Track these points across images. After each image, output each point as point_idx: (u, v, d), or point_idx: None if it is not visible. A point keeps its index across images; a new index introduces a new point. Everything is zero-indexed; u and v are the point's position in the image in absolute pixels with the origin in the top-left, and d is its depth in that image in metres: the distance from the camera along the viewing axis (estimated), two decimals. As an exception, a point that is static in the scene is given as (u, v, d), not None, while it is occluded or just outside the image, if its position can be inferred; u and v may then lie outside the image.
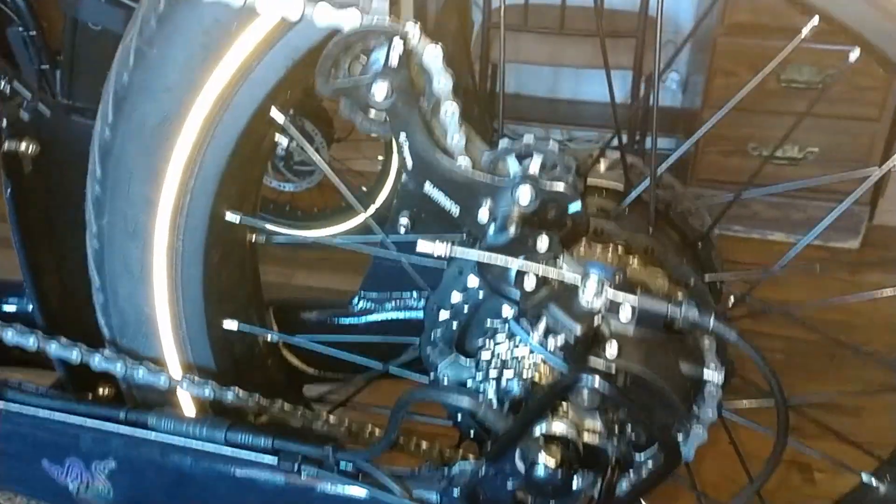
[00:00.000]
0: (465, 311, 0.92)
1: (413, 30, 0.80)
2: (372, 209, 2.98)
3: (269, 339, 1.15)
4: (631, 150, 3.18)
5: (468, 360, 0.94)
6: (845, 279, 3.01)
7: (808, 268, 1.07)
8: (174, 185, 0.94)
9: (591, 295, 0.74)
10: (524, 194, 0.84)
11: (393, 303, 1.22)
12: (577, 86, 3.68)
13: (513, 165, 0.85)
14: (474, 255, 0.78)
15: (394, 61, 0.80)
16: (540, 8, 3.01)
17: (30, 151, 1.05)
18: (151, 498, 1.01)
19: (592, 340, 0.76)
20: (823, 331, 1.02)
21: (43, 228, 1.10)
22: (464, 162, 0.85)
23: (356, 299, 1.23)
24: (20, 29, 2.25)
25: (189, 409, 1.07)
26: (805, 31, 0.81)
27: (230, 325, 1.06)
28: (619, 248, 0.89)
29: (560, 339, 0.76)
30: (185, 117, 0.91)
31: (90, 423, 0.99)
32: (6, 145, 1.04)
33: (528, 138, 0.84)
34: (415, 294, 1.21)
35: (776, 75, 2.91)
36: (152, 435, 0.98)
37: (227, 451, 0.96)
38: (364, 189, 3.00)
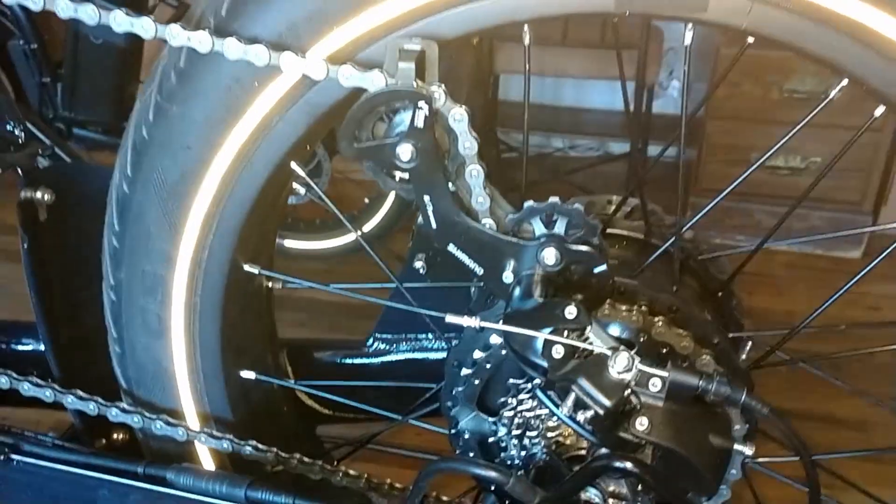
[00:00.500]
0: (488, 368, 0.91)
1: (438, 92, 0.79)
2: (373, 221, 2.97)
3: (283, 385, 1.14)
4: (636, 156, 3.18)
5: (490, 416, 0.93)
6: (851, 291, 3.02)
7: (834, 326, 1.05)
8: (193, 241, 0.93)
9: (622, 368, 0.74)
10: (549, 256, 0.83)
11: (408, 344, 1.21)
12: (579, 94, 3.66)
13: (538, 227, 0.84)
14: (503, 327, 0.77)
15: (419, 123, 0.79)
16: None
17: (45, 199, 1.04)
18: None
19: (622, 413, 0.75)
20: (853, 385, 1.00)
21: (58, 277, 1.09)
22: (488, 223, 0.85)
23: (371, 340, 1.22)
24: (21, 42, 2.23)
25: (207, 460, 1.06)
26: (833, 93, 0.80)
27: (248, 375, 1.05)
28: (644, 308, 0.88)
29: (589, 412, 0.75)
30: (204, 174, 0.90)
31: (108, 477, 0.98)
32: (22, 194, 1.02)
33: (554, 200, 0.83)
34: (430, 335, 1.20)
35: (779, 86, 2.91)
36: (171, 491, 0.97)
37: (248, 508, 0.95)
38: (366, 200, 2.99)
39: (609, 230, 1.01)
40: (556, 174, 3.37)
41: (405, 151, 0.80)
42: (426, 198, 0.83)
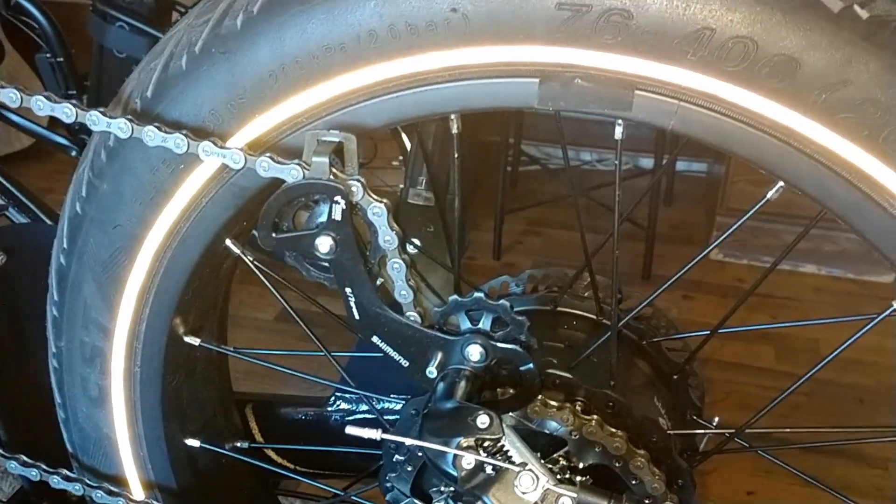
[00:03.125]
0: (420, 456, 0.89)
1: (356, 185, 0.77)
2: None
3: (238, 446, 1.13)
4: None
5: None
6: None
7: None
8: (129, 314, 0.93)
9: (526, 488, 0.71)
10: (474, 352, 0.80)
11: (369, 406, 1.19)
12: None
13: (463, 321, 0.81)
14: (407, 441, 0.74)
15: (336, 216, 0.77)
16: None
17: (-2, 261, 1.04)
18: None
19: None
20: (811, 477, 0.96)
21: (7, 339, 1.09)
22: (412, 316, 0.82)
23: (332, 399, 1.20)
24: (48, 55, 2.26)
25: (152, 526, 1.05)
26: (770, 194, 0.76)
27: (192, 443, 1.04)
28: (578, 406, 0.85)
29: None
30: (136, 251, 0.89)
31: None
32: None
33: (478, 295, 0.80)
34: (392, 397, 1.18)
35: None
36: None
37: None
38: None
39: (560, 308, 0.98)
40: (580, 189, 3.31)
41: (324, 243, 0.78)
42: (347, 290, 0.81)
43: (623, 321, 0.91)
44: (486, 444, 0.75)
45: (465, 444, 0.74)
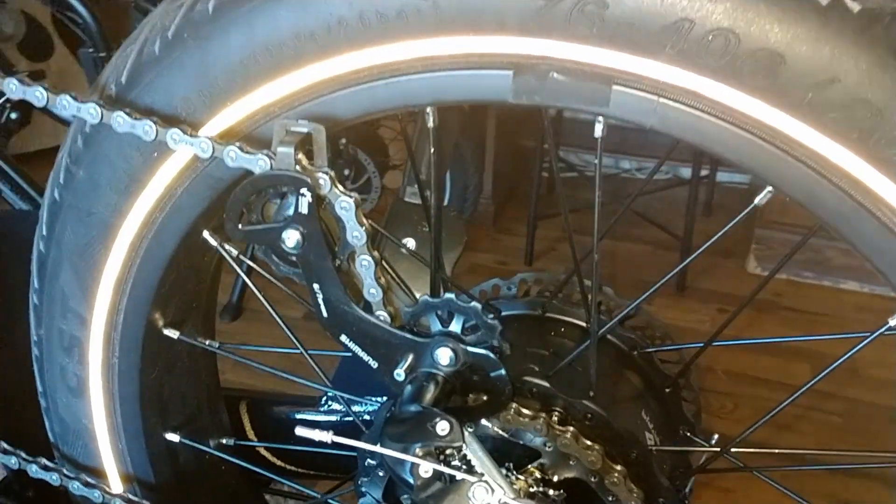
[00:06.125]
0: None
1: (324, 178, 0.74)
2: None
3: (223, 443, 1.11)
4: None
5: (395, 510, 0.87)
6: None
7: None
8: (106, 304, 0.91)
9: (480, 500, 0.67)
10: (443, 355, 0.77)
11: (360, 406, 1.16)
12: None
13: (434, 323, 0.78)
14: (361, 446, 0.71)
15: (303, 209, 0.74)
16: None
17: (-17, 250, 1.04)
18: None
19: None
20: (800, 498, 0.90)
21: (-5, 325, 1.09)
22: (382, 315, 0.79)
23: (324, 399, 1.18)
24: (91, 51, 2.28)
25: (130, 519, 1.04)
26: (758, 199, 0.71)
27: (173, 437, 1.02)
28: (555, 416, 0.81)
29: (450, 543, 0.69)
30: (111, 240, 0.87)
31: (20, 535, 0.97)
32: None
33: (449, 296, 0.77)
34: (384, 398, 1.15)
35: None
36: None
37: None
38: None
39: (549, 314, 0.94)
40: (616, 197, 3.26)
41: (290, 237, 0.76)
42: (315, 286, 0.78)
43: (605, 328, 0.87)
44: (447, 451, 0.72)
45: (422, 452, 0.70)
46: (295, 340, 0.94)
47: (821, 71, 0.61)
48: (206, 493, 1.08)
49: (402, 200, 1.12)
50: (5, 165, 1.07)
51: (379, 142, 2.81)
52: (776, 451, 0.89)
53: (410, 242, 0.99)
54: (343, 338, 0.80)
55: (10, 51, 3.25)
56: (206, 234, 0.88)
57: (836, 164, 0.64)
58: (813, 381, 0.80)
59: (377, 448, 0.70)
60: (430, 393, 0.76)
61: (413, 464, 0.71)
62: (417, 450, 0.71)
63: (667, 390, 0.93)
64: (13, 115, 1.56)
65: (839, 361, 0.79)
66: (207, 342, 1.00)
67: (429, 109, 0.77)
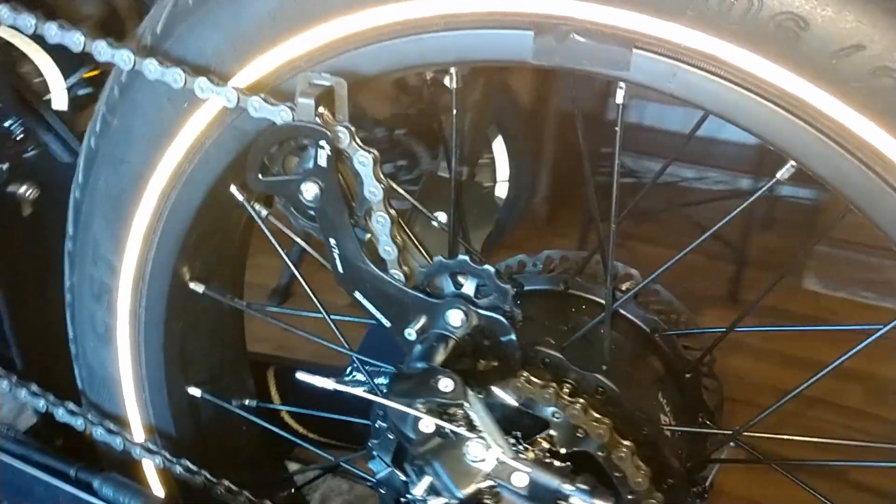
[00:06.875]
0: (401, 424, 0.85)
1: (343, 133, 0.74)
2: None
3: (246, 404, 1.12)
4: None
5: (403, 474, 0.87)
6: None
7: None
8: (135, 253, 0.93)
9: (475, 457, 0.67)
10: (455, 317, 0.77)
11: (385, 378, 1.16)
12: (713, 122, 3.47)
13: (447, 285, 0.78)
14: (363, 394, 0.72)
15: (322, 162, 0.75)
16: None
17: (30, 195, 1.07)
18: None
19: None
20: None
21: (33, 273, 1.12)
22: (397, 274, 0.79)
23: (349, 369, 1.18)
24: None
25: (153, 475, 1.06)
26: (780, 174, 0.69)
27: (194, 392, 1.03)
28: (566, 387, 0.80)
29: (441, 500, 0.69)
30: (143, 189, 0.89)
31: (41, 475, 0.99)
32: (9, 188, 1.05)
33: (463, 258, 0.77)
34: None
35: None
36: (94, 500, 0.97)
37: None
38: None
39: (571, 291, 0.93)
40: (672, 205, 3.21)
41: (308, 190, 0.76)
42: (332, 240, 0.79)
43: (619, 302, 0.86)
44: (450, 410, 0.71)
45: (425, 408, 0.70)
46: (317, 304, 0.94)
47: (845, 37, 0.60)
48: (226, 452, 1.09)
49: (436, 174, 1.12)
50: (50, 119, 1.10)
51: (434, 134, 2.81)
52: (795, 437, 0.87)
53: (442, 216, 0.98)
54: (357, 295, 0.80)
55: (86, 29, 3.33)
56: (232, 187, 0.90)
57: (861, 137, 0.62)
58: (831, 367, 0.78)
59: (378, 398, 0.70)
60: (439, 353, 0.76)
61: (415, 419, 0.70)
62: (420, 405, 0.71)
63: (686, 376, 0.91)
64: (84, 91, 1.60)
65: (844, 357, 0.77)
66: (235, 300, 1.01)
67: (453, 71, 0.77)
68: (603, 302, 0.92)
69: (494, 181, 2.84)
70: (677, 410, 0.91)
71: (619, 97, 0.72)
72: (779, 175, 0.70)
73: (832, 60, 0.61)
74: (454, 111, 0.82)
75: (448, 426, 0.69)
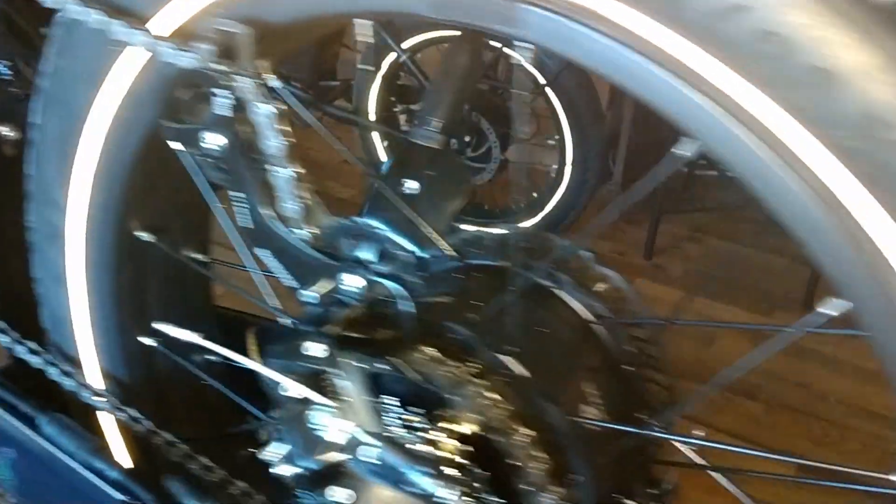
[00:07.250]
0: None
1: (245, 81, 0.72)
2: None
3: (212, 360, 1.11)
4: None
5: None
6: None
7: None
8: (80, 196, 0.93)
9: (316, 423, 0.63)
10: (350, 281, 0.73)
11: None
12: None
13: (346, 247, 0.75)
14: (227, 353, 0.69)
15: (222, 111, 0.73)
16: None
17: (12, 136, 1.09)
18: (43, 496, 1.03)
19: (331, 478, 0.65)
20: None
21: (12, 212, 1.14)
22: (302, 234, 0.76)
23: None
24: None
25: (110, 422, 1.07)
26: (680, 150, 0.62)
27: (148, 342, 1.04)
28: (470, 366, 0.75)
29: (294, 469, 0.66)
30: (81, 130, 0.89)
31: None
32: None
33: (363, 220, 0.73)
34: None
35: None
36: (35, 436, 0.99)
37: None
38: (534, 195, 2.89)
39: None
40: (751, 201, 3.06)
41: (211, 140, 0.75)
42: (238, 194, 0.77)
43: (530, 271, 0.80)
44: (318, 378, 0.68)
45: (289, 374, 0.68)
46: (252, 258, 0.92)
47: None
48: (182, 403, 1.09)
49: (410, 141, 1.08)
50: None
51: (504, 112, 2.76)
52: (745, 450, 0.80)
53: (413, 185, 0.95)
54: (265, 252, 0.78)
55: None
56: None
57: (749, 111, 0.56)
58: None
59: (240, 358, 0.68)
60: (332, 318, 0.73)
61: (278, 382, 0.68)
62: (286, 368, 0.68)
63: (625, 368, 0.85)
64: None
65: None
66: (184, 253, 1.01)
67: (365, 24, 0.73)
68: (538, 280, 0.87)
69: (562, 164, 2.77)
70: (615, 404, 0.85)
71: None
72: (676, 150, 0.63)
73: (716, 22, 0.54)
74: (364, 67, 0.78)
75: (296, 388, 0.66)
